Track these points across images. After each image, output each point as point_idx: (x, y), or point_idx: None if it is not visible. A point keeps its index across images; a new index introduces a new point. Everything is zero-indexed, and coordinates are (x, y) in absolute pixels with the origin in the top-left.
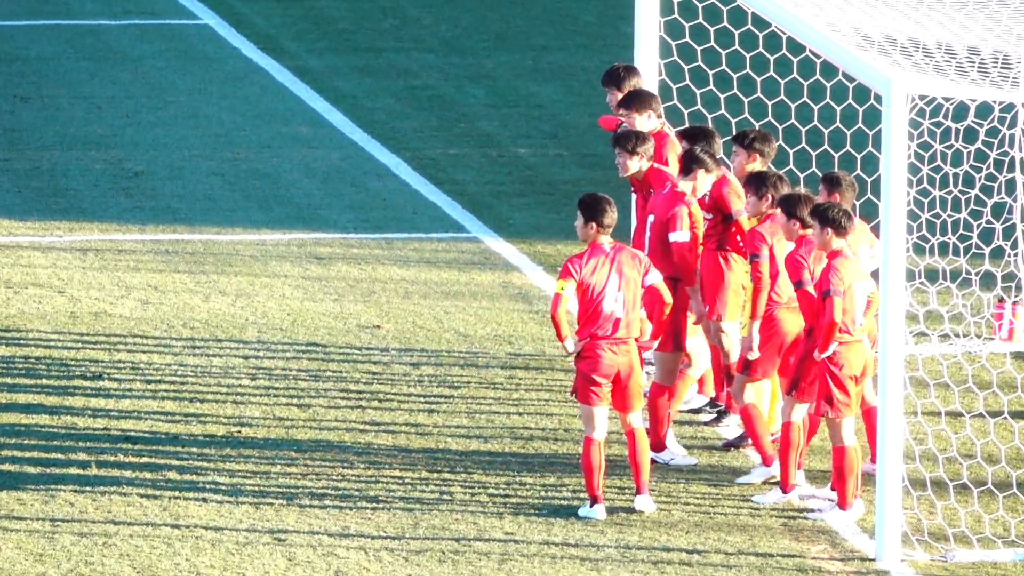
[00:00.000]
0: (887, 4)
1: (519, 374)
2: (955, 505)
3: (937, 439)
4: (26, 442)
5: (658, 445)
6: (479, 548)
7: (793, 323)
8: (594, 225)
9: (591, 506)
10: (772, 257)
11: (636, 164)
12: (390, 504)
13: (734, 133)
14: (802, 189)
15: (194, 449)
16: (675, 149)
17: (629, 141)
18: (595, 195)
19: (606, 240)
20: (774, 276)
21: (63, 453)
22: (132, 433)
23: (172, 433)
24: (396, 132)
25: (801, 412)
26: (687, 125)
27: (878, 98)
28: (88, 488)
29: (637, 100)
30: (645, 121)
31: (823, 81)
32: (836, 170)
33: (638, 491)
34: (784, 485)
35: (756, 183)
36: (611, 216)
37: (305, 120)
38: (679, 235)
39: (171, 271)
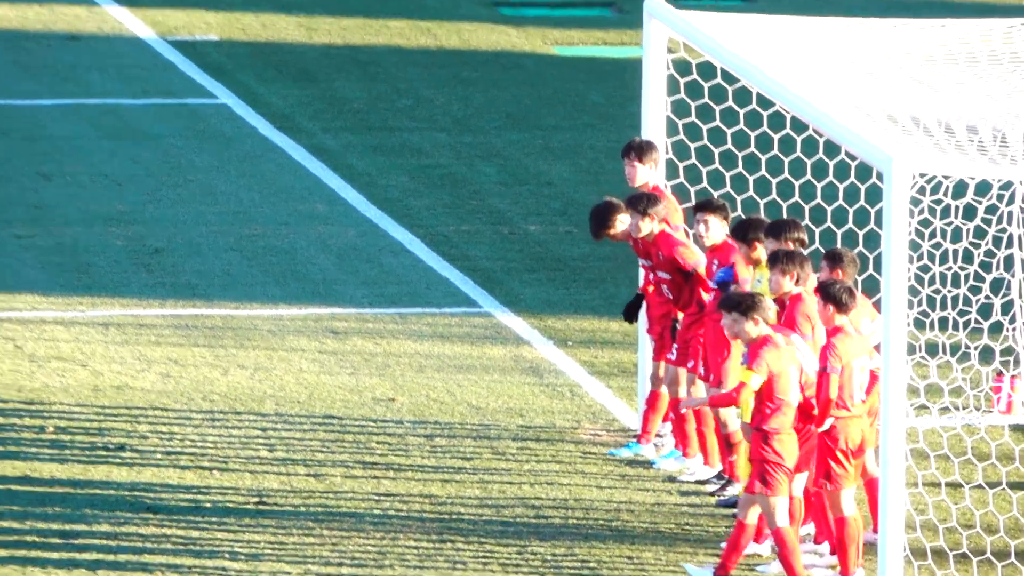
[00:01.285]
0: (889, 83)
1: (530, 445)
2: (955, 574)
3: (937, 509)
4: (49, 511)
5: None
6: None
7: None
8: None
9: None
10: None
11: (648, 226)
12: (405, 573)
13: (739, 211)
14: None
15: (214, 519)
16: (677, 211)
17: (640, 203)
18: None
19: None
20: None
21: (86, 524)
22: (154, 503)
23: (193, 504)
24: (409, 209)
25: (800, 483)
26: (693, 201)
27: (880, 176)
28: (111, 556)
29: (641, 150)
30: (647, 171)
31: (826, 159)
32: (839, 246)
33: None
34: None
35: (785, 261)
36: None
37: (321, 197)
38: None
39: (191, 345)
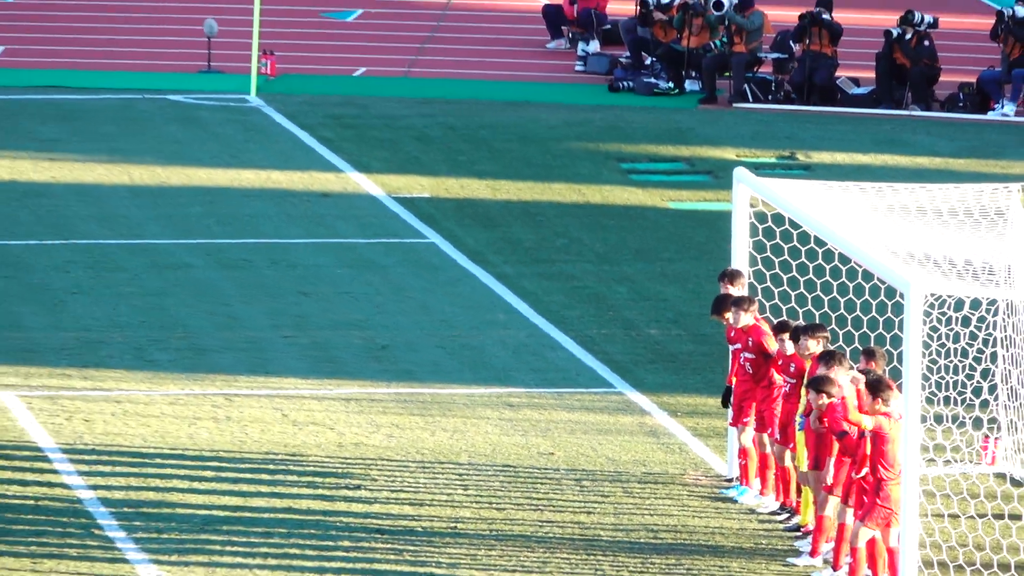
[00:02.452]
0: (908, 230)
1: (650, 487)
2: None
3: (942, 533)
4: (306, 533)
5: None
6: None
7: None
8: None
9: None
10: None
11: (745, 319)
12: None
13: (802, 323)
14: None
15: (424, 539)
16: (768, 331)
17: (743, 303)
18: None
19: None
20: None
21: (332, 541)
22: (381, 528)
23: (409, 528)
24: (565, 318)
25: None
26: (771, 317)
27: (902, 295)
28: (350, 565)
29: (749, 302)
30: (736, 291)
31: (863, 283)
32: (872, 345)
33: None
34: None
35: (875, 388)
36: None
37: (502, 309)
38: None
39: (408, 414)
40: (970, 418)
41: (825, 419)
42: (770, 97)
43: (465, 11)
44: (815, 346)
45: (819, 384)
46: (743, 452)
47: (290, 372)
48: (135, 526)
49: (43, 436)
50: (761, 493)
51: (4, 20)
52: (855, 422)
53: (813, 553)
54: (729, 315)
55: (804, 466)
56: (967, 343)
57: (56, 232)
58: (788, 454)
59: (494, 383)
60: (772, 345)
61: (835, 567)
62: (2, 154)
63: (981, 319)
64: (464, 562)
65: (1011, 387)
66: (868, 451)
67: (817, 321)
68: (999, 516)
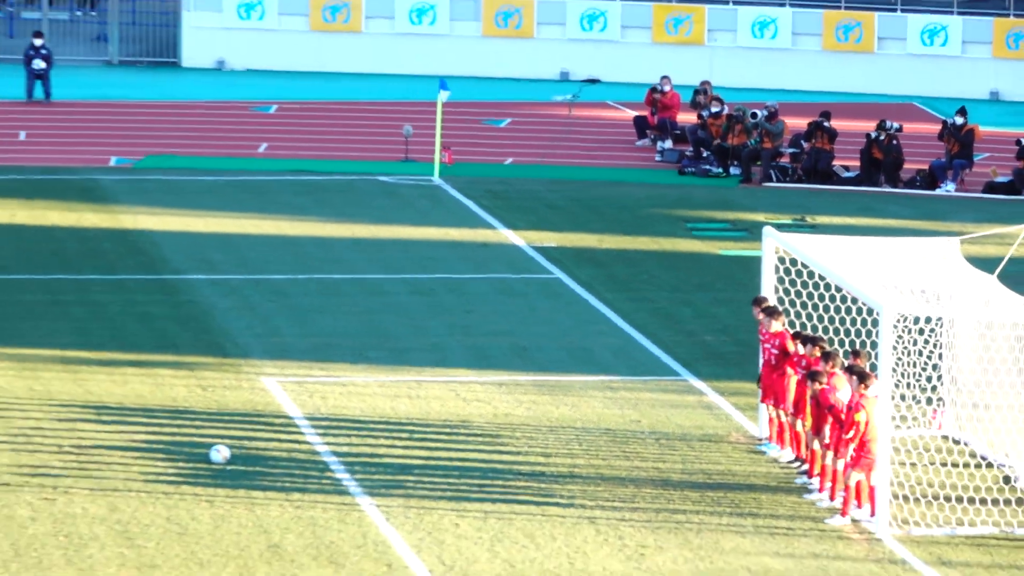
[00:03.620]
0: (889, 268)
1: (706, 443)
2: (912, 506)
3: (904, 476)
4: (470, 474)
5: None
6: (690, 521)
7: None
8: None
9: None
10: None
11: (775, 326)
12: (630, 505)
13: (809, 333)
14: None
15: (551, 479)
16: (789, 336)
17: (775, 312)
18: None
19: None
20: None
21: (488, 480)
22: (523, 471)
23: (541, 471)
24: (647, 329)
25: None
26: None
27: (879, 314)
28: (499, 498)
29: (775, 312)
30: (777, 324)
31: (851, 305)
32: (858, 347)
33: None
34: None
35: (861, 377)
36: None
37: (604, 323)
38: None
39: (540, 394)
40: (924, 397)
41: (819, 398)
42: (788, 179)
43: (581, 120)
44: (816, 351)
45: (814, 375)
46: (771, 421)
47: (460, 365)
48: (355, 470)
49: (293, 408)
50: (780, 448)
51: (267, 124)
52: (835, 402)
53: (832, 496)
54: (762, 317)
55: (809, 429)
56: (922, 346)
57: (303, 269)
58: (799, 422)
59: (599, 373)
60: (791, 347)
61: (840, 509)
62: (267, 216)
63: (932, 330)
64: (578, 496)
65: (952, 376)
66: (857, 420)
67: (819, 333)
68: (943, 464)
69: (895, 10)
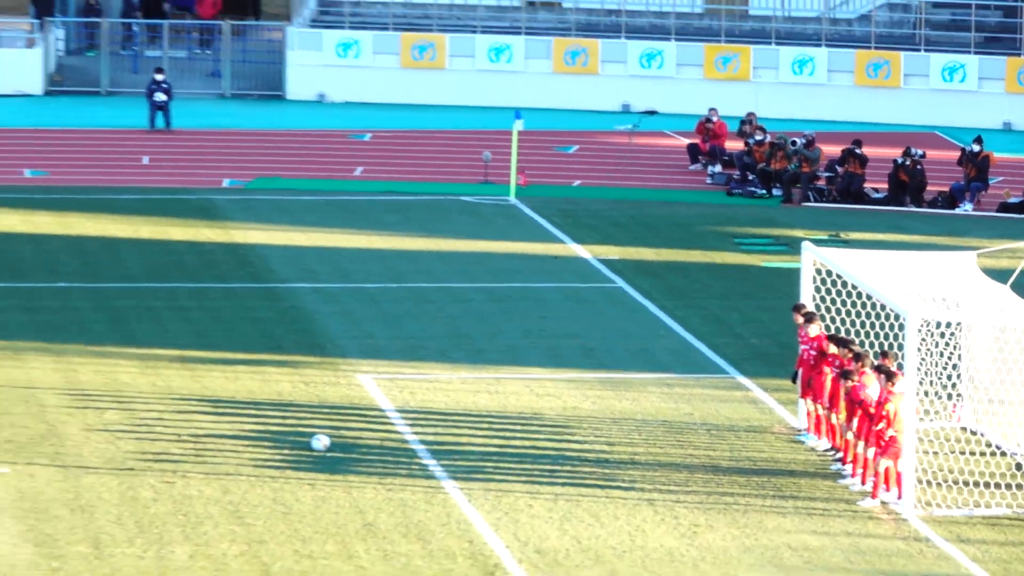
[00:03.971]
0: (913, 278)
1: (752, 433)
2: (935, 489)
3: (927, 463)
4: (541, 460)
5: None
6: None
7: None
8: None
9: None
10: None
11: (814, 329)
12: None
13: (842, 336)
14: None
15: (614, 464)
16: (825, 339)
17: (813, 317)
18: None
19: None
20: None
21: (557, 466)
22: (588, 457)
23: (605, 458)
24: (700, 333)
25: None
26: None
27: (904, 319)
28: (568, 481)
29: (813, 317)
30: (815, 328)
31: (880, 312)
32: (886, 348)
33: None
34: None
35: (888, 375)
36: None
37: (662, 327)
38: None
39: (604, 389)
40: (944, 393)
41: (850, 393)
42: (824, 199)
43: (640, 147)
44: (849, 352)
45: (847, 374)
46: (808, 414)
47: (533, 364)
48: (440, 457)
49: (385, 402)
50: (818, 438)
51: (362, 151)
52: (865, 398)
53: (863, 481)
54: (802, 322)
55: (843, 421)
56: (943, 347)
57: (394, 279)
58: (834, 415)
59: (657, 371)
60: (827, 348)
61: (871, 492)
62: (362, 231)
63: (952, 333)
64: (638, 480)
65: (969, 374)
66: (885, 413)
67: (851, 336)
68: (962, 453)
69: (919, 50)
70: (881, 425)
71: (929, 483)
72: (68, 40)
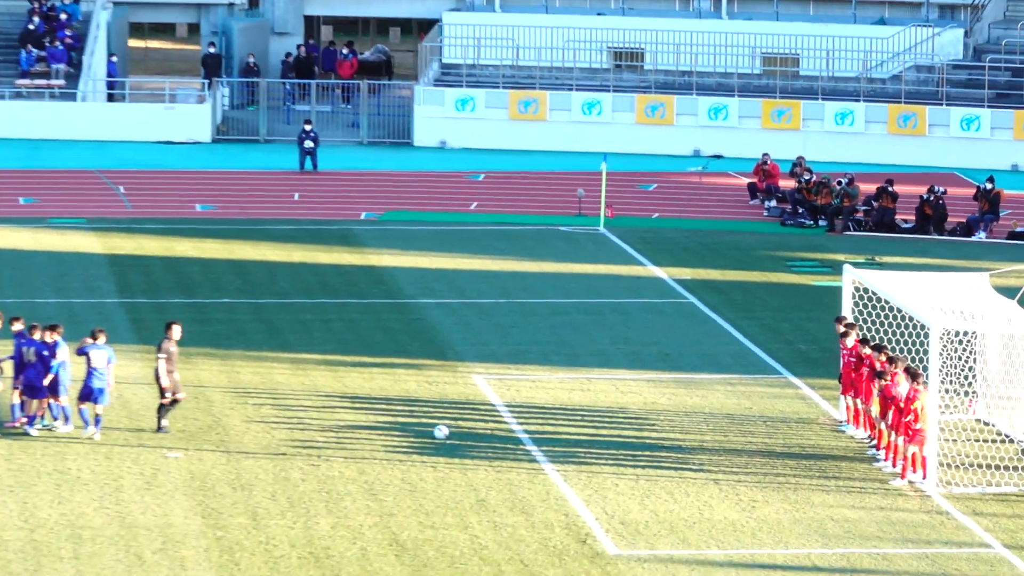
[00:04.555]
0: (940, 295)
1: (802, 424)
2: (956, 472)
3: (948, 449)
4: (611, 446)
5: None
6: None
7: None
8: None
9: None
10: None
11: (851, 340)
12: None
13: (877, 343)
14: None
15: (684, 450)
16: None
17: (854, 327)
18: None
19: None
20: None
21: (625, 451)
22: (655, 444)
23: (678, 444)
24: (758, 340)
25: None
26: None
27: (928, 328)
28: (637, 464)
29: (852, 327)
30: (853, 336)
31: (908, 322)
32: (882, 345)
33: None
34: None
35: (914, 376)
36: None
37: (728, 337)
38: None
39: (677, 388)
40: (962, 391)
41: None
42: (861, 229)
43: (708, 185)
44: (882, 356)
45: (880, 374)
46: (848, 408)
47: (619, 366)
48: (541, 443)
49: (495, 398)
50: (856, 428)
51: (477, 189)
52: (896, 394)
53: (894, 464)
54: (842, 331)
55: (877, 414)
56: (961, 352)
57: (503, 295)
58: (870, 409)
59: (722, 372)
60: (864, 352)
61: (900, 473)
62: (476, 256)
63: (968, 341)
64: (706, 463)
65: (983, 375)
66: (913, 408)
67: (884, 342)
68: (976, 440)
69: (941, 104)
70: (909, 417)
71: (949, 465)
72: (232, 97)
